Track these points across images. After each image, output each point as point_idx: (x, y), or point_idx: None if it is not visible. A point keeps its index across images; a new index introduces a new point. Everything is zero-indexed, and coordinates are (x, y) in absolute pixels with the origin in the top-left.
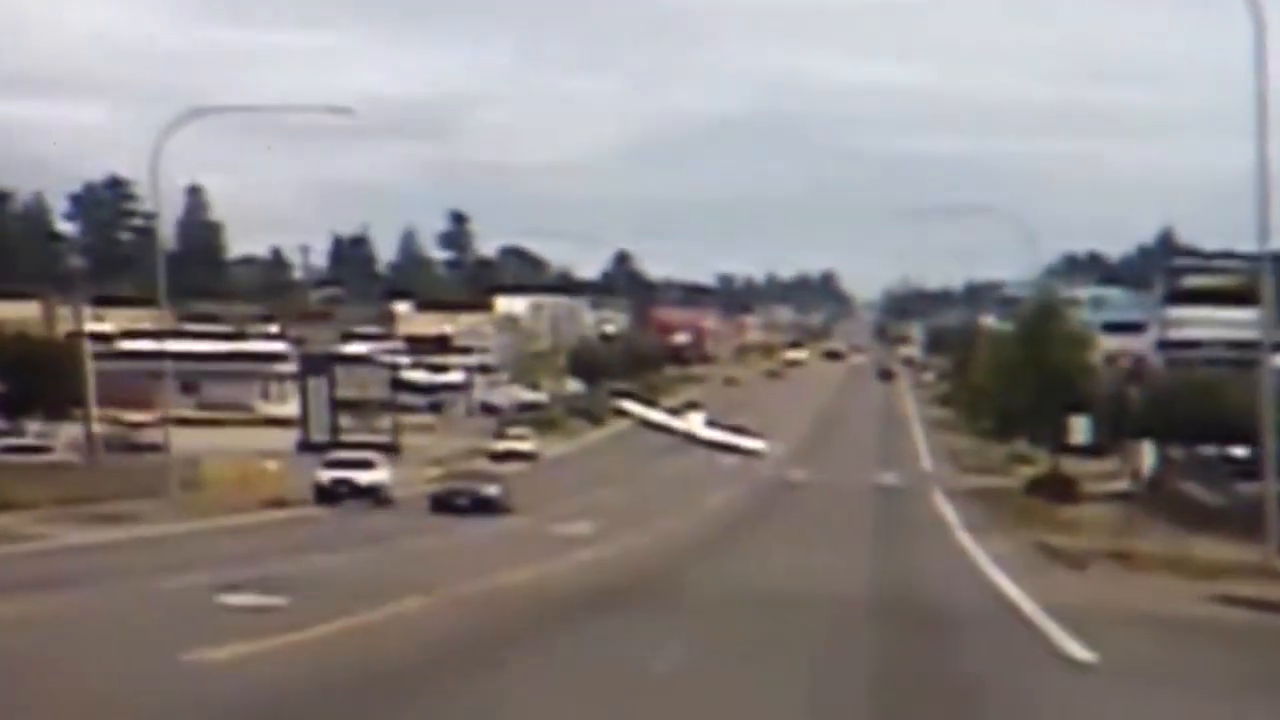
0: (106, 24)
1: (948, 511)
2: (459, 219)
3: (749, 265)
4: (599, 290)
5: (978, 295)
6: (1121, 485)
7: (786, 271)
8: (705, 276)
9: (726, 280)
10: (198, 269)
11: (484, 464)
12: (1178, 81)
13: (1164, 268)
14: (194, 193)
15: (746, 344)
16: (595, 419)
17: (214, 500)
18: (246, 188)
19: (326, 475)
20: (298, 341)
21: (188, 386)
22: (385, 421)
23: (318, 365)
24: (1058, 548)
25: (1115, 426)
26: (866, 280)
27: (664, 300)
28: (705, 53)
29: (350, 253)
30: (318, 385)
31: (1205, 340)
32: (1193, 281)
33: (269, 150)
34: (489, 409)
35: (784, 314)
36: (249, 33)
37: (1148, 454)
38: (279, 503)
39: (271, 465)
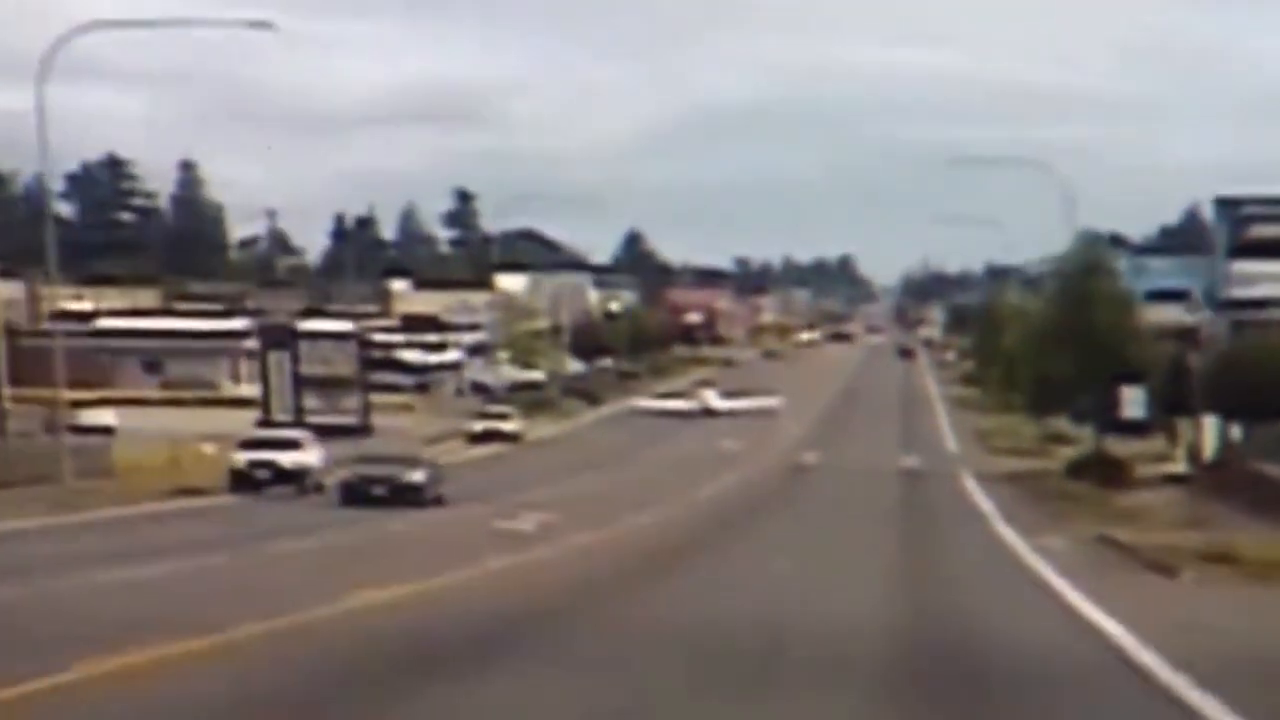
0: (143, 9)
1: (981, 499)
2: (464, 197)
3: (767, 250)
4: (610, 270)
5: (999, 278)
6: (1175, 467)
7: (805, 256)
8: (723, 261)
9: (743, 263)
10: (196, 248)
11: (410, 445)
12: (1190, 70)
13: (1231, 216)
14: (187, 168)
15: (761, 325)
16: (593, 399)
17: (117, 489)
18: (271, 176)
19: (243, 457)
20: (256, 313)
21: (150, 365)
22: (354, 400)
23: (280, 339)
24: (1128, 545)
25: (1171, 399)
26: (886, 265)
27: (679, 283)
28: (727, 40)
29: (357, 234)
30: (280, 360)
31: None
32: (1264, 231)
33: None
34: (480, 389)
35: (801, 297)
36: (283, 22)
37: (1209, 430)
38: (191, 491)
39: (208, 449)
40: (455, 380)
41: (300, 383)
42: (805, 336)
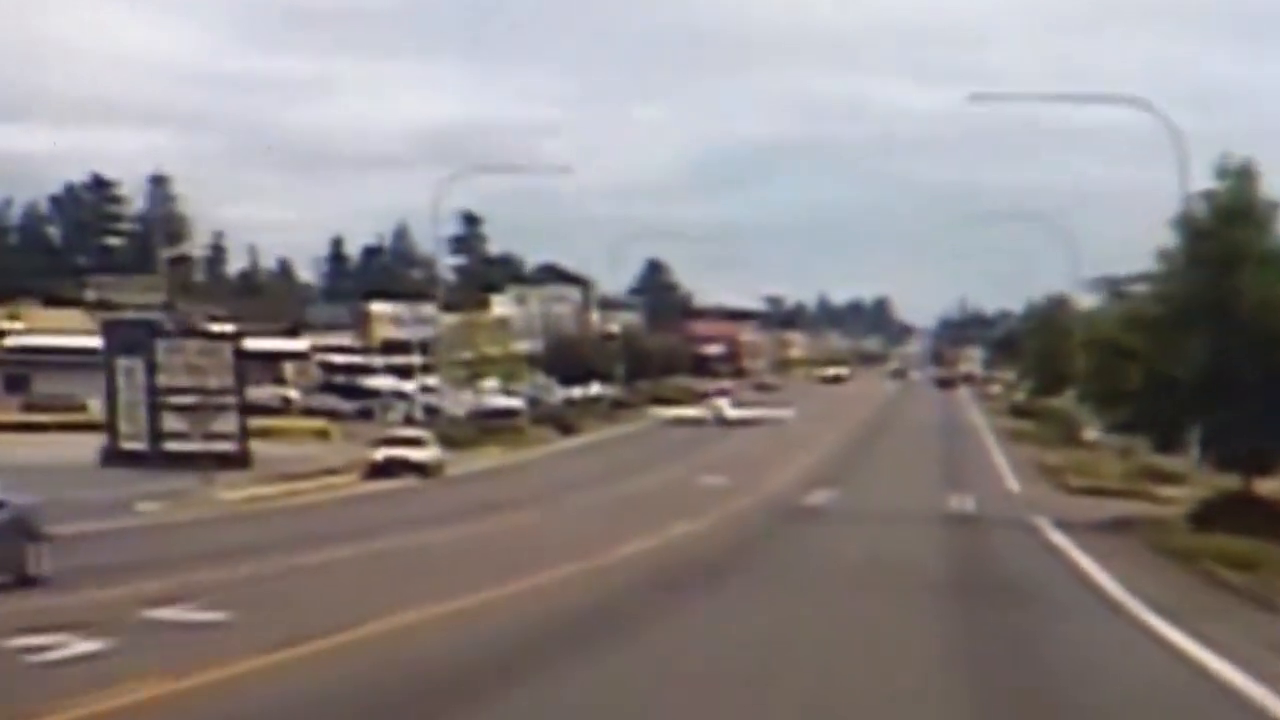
0: (172, 51)
1: (1089, 565)
2: (471, 221)
3: (801, 291)
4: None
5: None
6: None
7: (840, 298)
8: (755, 302)
9: (775, 302)
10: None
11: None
12: (1223, 106)
13: None
14: (159, 183)
15: (788, 359)
16: (567, 428)
17: None
18: (299, 215)
19: None
20: (102, 306)
21: (12, 382)
22: (229, 422)
23: (131, 341)
24: None
25: None
26: (922, 307)
27: (705, 318)
28: (762, 78)
29: (365, 263)
30: (130, 368)
31: None
32: None
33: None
34: (435, 414)
35: (834, 339)
36: (314, 62)
37: None
38: None
39: None
40: (405, 406)
41: (157, 397)
42: (831, 371)
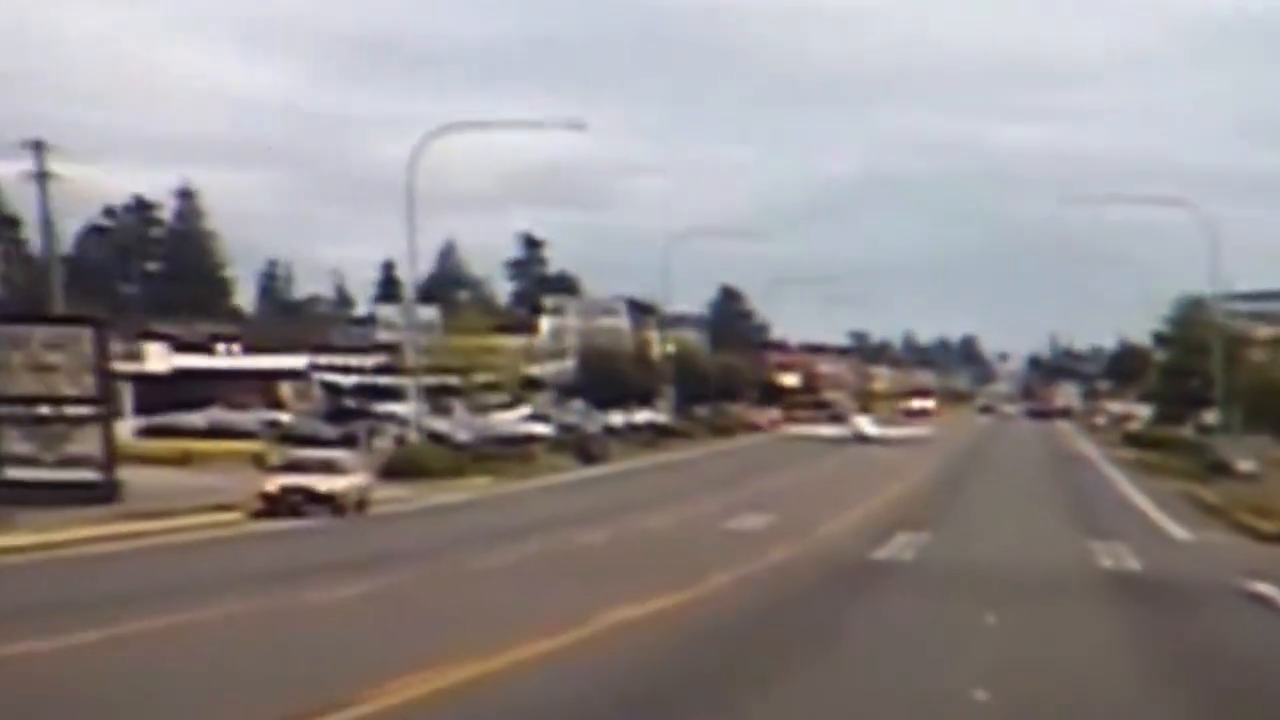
0: (264, 91)
1: None
2: (532, 243)
3: (886, 328)
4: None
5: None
6: None
7: (926, 336)
8: (840, 338)
9: (860, 337)
10: (189, 284)
11: None
12: None
13: None
14: (185, 197)
15: (871, 391)
16: (590, 457)
17: None
18: (383, 254)
19: None
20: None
21: None
22: (90, 440)
23: None
24: None
25: None
26: (1010, 344)
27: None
28: (852, 115)
29: (423, 288)
30: None
31: None
32: None
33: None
34: (438, 440)
35: (922, 376)
36: (401, 100)
37: None
38: None
39: None
40: (399, 430)
41: None
42: (916, 404)
